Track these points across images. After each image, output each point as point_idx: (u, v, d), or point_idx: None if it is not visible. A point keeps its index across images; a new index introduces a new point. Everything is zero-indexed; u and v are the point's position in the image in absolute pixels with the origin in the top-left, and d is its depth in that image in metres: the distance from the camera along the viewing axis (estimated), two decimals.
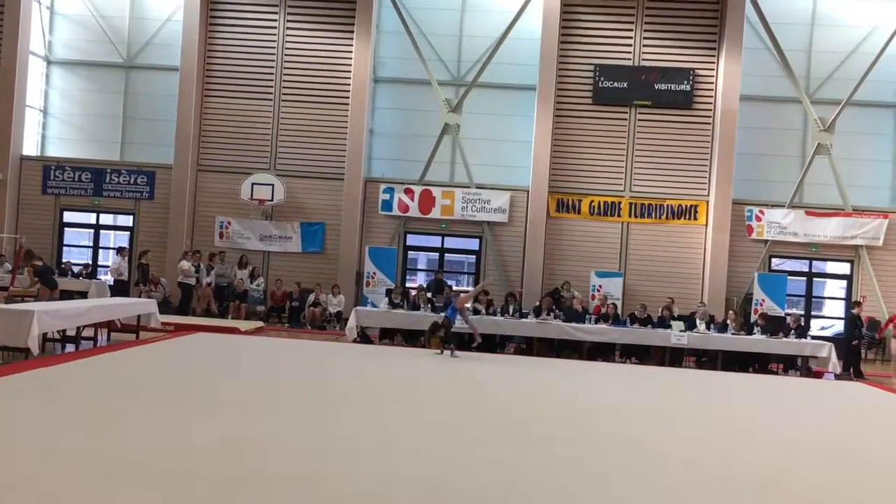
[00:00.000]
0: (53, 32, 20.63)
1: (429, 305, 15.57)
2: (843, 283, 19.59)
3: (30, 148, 20.33)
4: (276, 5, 19.87)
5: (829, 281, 20.29)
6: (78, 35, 20.57)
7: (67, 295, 15.84)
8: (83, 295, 16.32)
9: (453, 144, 19.80)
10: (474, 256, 20.02)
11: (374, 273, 18.64)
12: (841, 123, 18.97)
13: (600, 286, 18.48)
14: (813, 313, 19.72)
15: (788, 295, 18.69)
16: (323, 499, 4.80)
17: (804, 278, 19.75)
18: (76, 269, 18.67)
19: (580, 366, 13.89)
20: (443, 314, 13.92)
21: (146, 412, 7.03)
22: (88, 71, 20.56)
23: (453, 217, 19.44)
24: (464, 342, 15.35)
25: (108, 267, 19.68)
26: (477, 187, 19.45)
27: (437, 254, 20.40)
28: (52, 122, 20.71)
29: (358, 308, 15.84)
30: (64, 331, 11.46)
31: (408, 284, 19.40)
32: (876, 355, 18.31)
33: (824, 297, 20.36)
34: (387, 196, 19.55)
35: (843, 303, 19.30)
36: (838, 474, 6.44)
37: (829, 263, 19.83)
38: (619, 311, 16.65)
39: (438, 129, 19.56)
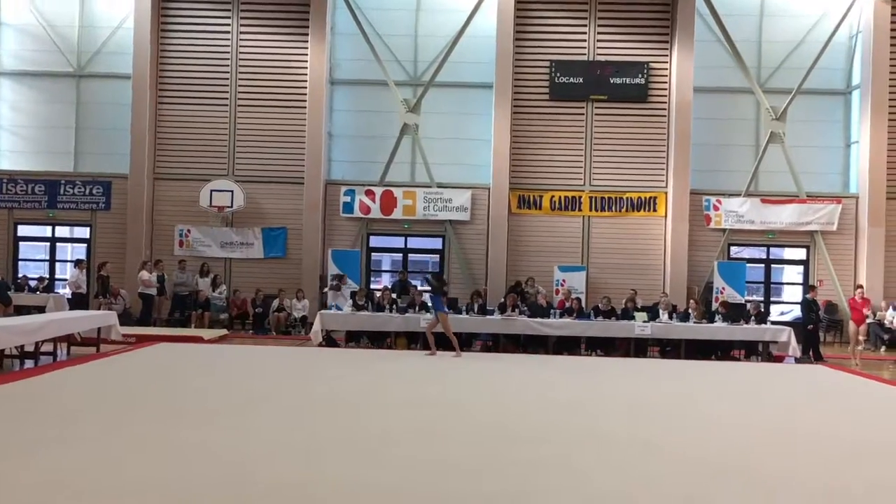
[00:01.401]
0: (0, 43, 20.18)
1: (393, 307, 15.53)
2: (800, 268, 19.99)
3: None
4: (229, 9, 19.67)
5: (786, 267, 20.70)
6: (26, 45, 20.15)
7: (25, 310, 15.56)
8: (41, 309, 16.05)
9: (413, 144, 19.78)
10: (438, 256, 20.04)
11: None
12: (792, 112, 19.35)
13: (564, 280, 18.62)
14: (772, 299, 20.11)
15: (748, 282, 19.02)
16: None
17: (762, 265, 20.12)
18: (33, 284, 18.31)
19: (547, 360, 13.96)
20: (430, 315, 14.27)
21: (110, 426, 6.92)
22: (38, 81, 20.16)
23: (415, 217, 19.44)
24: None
25: (65, 280, 19.34)
26: (438, 186, 19.47)
27: (401, 254, 20.38)
28: (3, 135, 20.25)
29: (322, 312, 15.76)
30: (22, 346, 11.23)
31: (372, 286, 19.35)
32: (834, 338, 18.71)
33: (782, 283, 20.77)
34: (348, 198, 19.48)
35: (800, 288, 19.66)
36: (802, 456, 6.56)
37: (786, 249, 20.23)
38: (584, 305, 16.78)
39: (397, 130, 19.54)
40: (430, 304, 14.50)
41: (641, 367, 13.49)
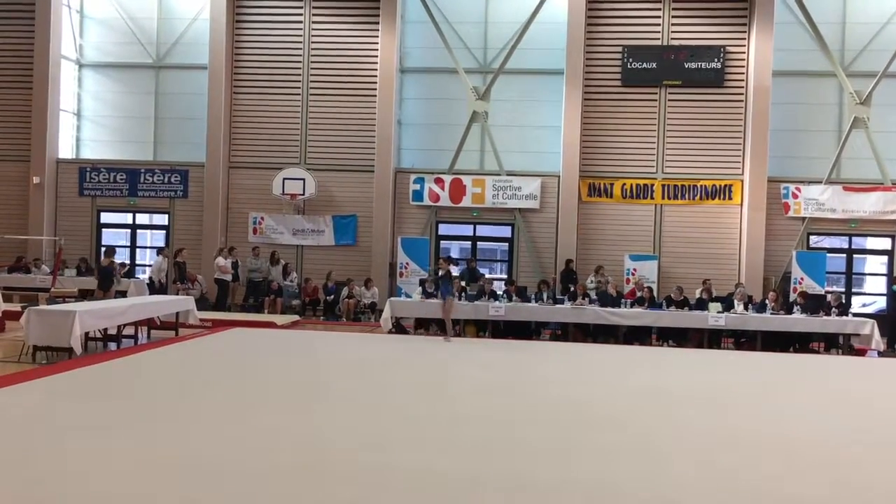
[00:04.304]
0: (84, 36, 20.90)
1: (462, 294, 15.54)
2: (885, 258, 19.22)
3: (65, 151, 20.66)
4: None
5: (869, 257, 19.92)
6: (107, 37, 20.81)
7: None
8: (122, 294, 16.58)
9: (482, 132, 19.72)
10: (507, 244, 19.96)
11: (407, 263, 18.68)
12: (878, 96, 18.53)
13: (635, 269, 18.33)
14: (854, 290, 19.37)
15: (828, 272, 18.36)
16: (369, 489, 4.83)
17: (844, 255, 19.39)
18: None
19: (617, 350, 13.81)
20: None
21: (189, 408, 7.13)
22: (119, 73, 20.81)
23: (484, 205, 19.39)
24: (499, 330, 15.40)
25: (146, 266, 19.99)
26: (507, 174, 19.37)
27: (470, 242, 20.38)
28: (86, 125, 21.01)
29: (392, 299, 15.88)
30: (105, 330, 11.66)
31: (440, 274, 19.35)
32: None
33: (865, 274, 19.98)
34: (417, 186, 19.56)
35: (884, 279, 18.92)
36: (877, 450, 6.32)
37: (870, 239, 19.46)
38: (655, 294, 16.50)
39: (467, 118, 19.49)
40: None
41: (716, 358, 13.22)
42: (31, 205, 19.95)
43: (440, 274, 14.55)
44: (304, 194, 19.24)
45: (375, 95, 19.51)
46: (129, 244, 21.08)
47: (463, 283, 16.17)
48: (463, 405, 7.77)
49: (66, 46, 20.33)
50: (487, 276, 18.01)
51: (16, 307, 13.35)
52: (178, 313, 13.74)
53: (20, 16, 20.10)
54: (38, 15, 19.73)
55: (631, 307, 15.20)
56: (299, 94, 19.95)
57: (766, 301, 15.33)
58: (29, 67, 19.92)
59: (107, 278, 14.76)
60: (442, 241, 20.28)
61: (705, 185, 18.95)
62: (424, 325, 15.89)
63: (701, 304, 15.22)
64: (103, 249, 14.64)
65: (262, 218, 19.90)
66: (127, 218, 20.93)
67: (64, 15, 20.22)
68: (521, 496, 4.76)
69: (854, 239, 19.34)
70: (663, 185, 19.07)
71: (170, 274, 18.22)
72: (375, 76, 19.55)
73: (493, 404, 7.85)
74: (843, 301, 15.86)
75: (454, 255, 20.81)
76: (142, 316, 12.30)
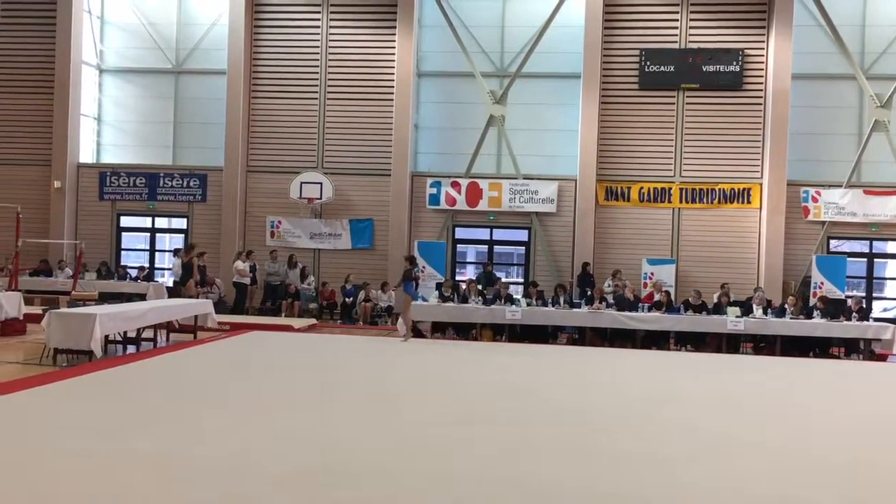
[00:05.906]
0: (104, 41, 21.11)
1: (479, 298, 15.55)
2: None
3: (86, 155, 20.87)
4: (319, 4, 20.00)
5: (890, 261, 19.72)
6: (128, 43, 21.02)
7: (126, 298, 16.24)
8: (141, 297, 16.72)
9: (499, 136, 19.72)
10: (523, 248, 19.94)
11: (424, 267, 18.69)
12: None
13: (652, 273, 18.25)
14: (875, 295, 19.18)
15: (848, 277, 18.20)
16: (378, 491, 4.84)
17: (864, 259, 19.21)
18: (133, 273, 19.13)
19: (634, 355, 13.73)
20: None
21: (207, 410, 7.17)
22: (139, 78, 21.00)
23: (501, 209, 19.39)
24: (516, 334, 15.37)
25: (164, 269, 20.15)
26: (524, 178, 19.35)
27: (486, 246, 20.36)
28: (107, 130, 21.21)
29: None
30: (125, 333, 11.75)
31: (457, 278, 19.41)
32: None
33: (886, 278, 19.78)
34: (434, 190, 19.58)
35: None
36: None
37: (891, 243, 19.27)
38: (673, 298, 16.41)
39: (483, 122, 19.51)
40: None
41: (734, 363, 13.13)
42: (51, 209, 20.14)
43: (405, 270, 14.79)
44: (321, 198, 19.31)
45: (392, 99, 19.56)
46: (148, 248, 21.26)
47: (479, 287, 16.18)
48: (477, 408, 7.76)
49: (86, 52, 20.55)
50: (504, 279, 17.99)
51: (37, 310, 13.48)
52: (196, 316, 13.82)
53: (42, 22, 20.32)
54: (59, 21, 19.95)
55: (648, 311, 15.12)
56: (317, 99, 20.03)
57: (786, 305, 15.21)
58: (50, 73, 20.15)
59: (187, 273, 15.22)
60: (458, 245, 20.31)
61: (724, 189, 18.84)
62: (441, 329, 15.89)
63: (719, 309, 15.12)
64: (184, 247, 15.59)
65: (280, 222, 19.99)
66: (146, 222, 21.11)
67: (85, 21, 20.44)
68: (529, 500, 4.75)
69: (875, 243, 19.16)
70: (681, 189, 18.98)
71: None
72: (392, 80, 19.60)
73: (506, 408, 7.84)
74: (864, 306, 15.71)
75: (470, 258, 20.87)
76: (161, 319, 12.37)
